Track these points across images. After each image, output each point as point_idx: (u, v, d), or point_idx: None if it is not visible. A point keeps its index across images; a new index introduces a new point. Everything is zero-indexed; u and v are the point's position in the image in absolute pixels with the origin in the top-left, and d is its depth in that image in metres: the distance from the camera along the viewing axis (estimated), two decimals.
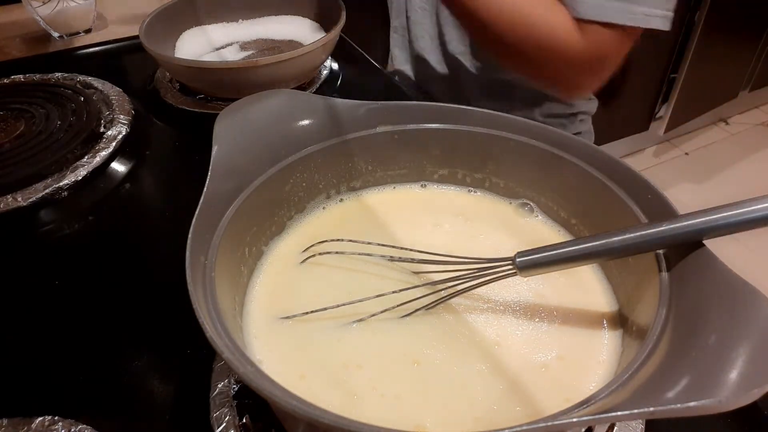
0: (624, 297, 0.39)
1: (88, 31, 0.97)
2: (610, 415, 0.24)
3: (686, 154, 2.26)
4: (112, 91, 0.77)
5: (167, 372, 0.44)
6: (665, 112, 2.09)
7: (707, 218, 0.31)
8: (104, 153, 0.65)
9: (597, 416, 0.24)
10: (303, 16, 0.89)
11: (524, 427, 0.24)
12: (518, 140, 0.45)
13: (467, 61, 0.82)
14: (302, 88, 0.79)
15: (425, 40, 0.85)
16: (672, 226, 0.32)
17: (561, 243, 0.36)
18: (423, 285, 0.40)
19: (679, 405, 0.23)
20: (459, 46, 0.81)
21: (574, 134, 0.88)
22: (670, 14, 0.60)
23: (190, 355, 0.44)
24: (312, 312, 0.38)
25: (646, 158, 2.23)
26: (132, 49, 0.92)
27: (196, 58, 0.80)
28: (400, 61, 0.92)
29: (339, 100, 0.46)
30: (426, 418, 0.33)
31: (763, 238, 1.68)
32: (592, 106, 0.89)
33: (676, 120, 2.14)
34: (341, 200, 0.49)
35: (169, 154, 0.72)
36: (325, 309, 0.38)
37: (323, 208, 0.49)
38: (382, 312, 0.38)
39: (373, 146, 0.47)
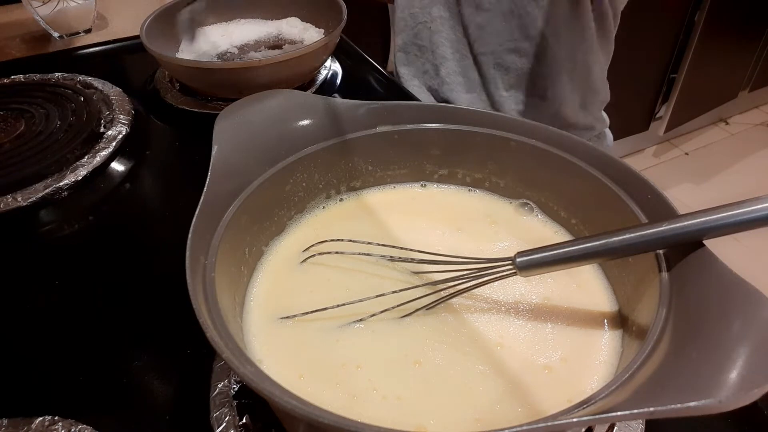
0: (624, 297, 0.39)
1: (88, 31, 0.97)
2: (610, 415, 0.24)
3: (686, 154, 2.26)
4: (112, 91, 0.77)
5: (167, 372, 0.44)
6: (665, 112, 2.09)
7: (707, 218, 0.31)
8: (104, 153, 0.65)
9: (597, 416, 0.24)
10: (304, 16, 0.89)
11: (524, 427, 0.24)
12: (518, 140, 0.45)
13: (495, 59, 0.82)
14: (302, 88, 0.79)
15: (445, 47, 0.86)
16: (672, 226, 0.32)
17: (561, 243, 0.36)
18: (423, 285, 0.40)
19: (679, 405, 0.23)
20: (488, 46, 0.82)
21: (597, 134, 0.89)
22: None
23: (190, 355, 0.44)
24: (312, 312, 0.38)
25: (646, 158, 2.23)
26: (132, 49, 0.92)
27: (196, 59, 0.80)
28: (407, 78, 0.92)
29: (339, 100, 0.46)
30: (427, 418, 0.33)
31: (763, 238, 1.68)
32: (607, 93, 0.90)
33: (676, 120, 2.14)
34: (341, 200, 0.49)
35: (169, 154, 0.72)
36: (324, 309, 0.38)
37: (323, 208, 0.49)
38: (382, 312, 0.38)
39: (373, 146, 0.47)
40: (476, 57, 0.84)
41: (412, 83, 0.92)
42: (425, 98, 0.91)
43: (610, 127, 0.96)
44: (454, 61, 0.86)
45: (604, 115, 0.92)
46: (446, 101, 0.89)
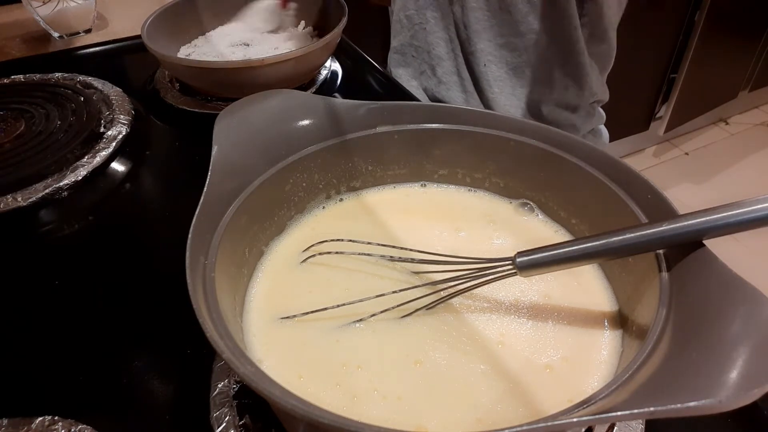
0: (624, 297, 0.39)
1: (88, 31, 0.97)
2: (610, 415, 0.24)
3: (686, 154, 2.26)
4: (112, 91, 0.77)
5: (167, 372, 0.44)
6: (665, 112, 2.09)
7: (707, 218, 0.31)
8: (104, 153, 0.65)
9: (597, 416, 0.24)
10: (303, 17, 0.89)
11: (524, 427, 0.24)
12: (518, 140, 0.45)
13: (485, 57, 0.83)
14: (302, 88, 0.79)
15: (440, 47, 0.86)
16: (672, 226, 0.32)
17: (561, 243, 0.36)
18: (423, 285, 0.40)
19: (679, 405, 0.23)
20: (478, 44, 0.82)
21: (591, 131, 0.89)
22: None
23: (190, 355, 0.44)
24: (312, 312, 0.38)
25: (646, 158, 2.23)
26: (132, 49, 0.92)
27: (197, 58, 0.80)
28: (404, 79, 0.93)
29: (339, 100, 0.46)
30: (427, 418, 0.33)
31: (763, 238, 1.68)
32: (606, 92, 0.90)
33: (676, 120, 2.14)
34: (341, 200, 0.49)
35: (169, 154, 0.72)
36: (325, 309, 0.38)
37: (323, 207, 0.49)
38: (382, 312, 0.38)
39: (373, 146, 0.47)
40: (467, 56, 0.84)
41: (409, 84, 0.92)
42: (422, 99, 0.91)
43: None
44: (450, 61, 0.87)
45: (600, 111, 0.92)
46: (442, 101, 0.90)
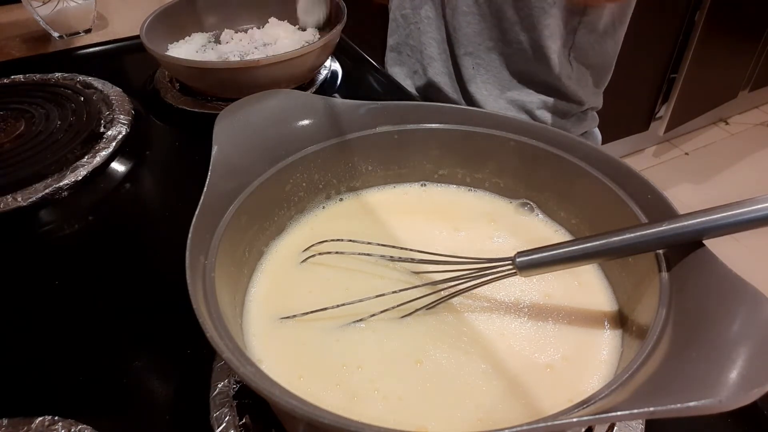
0: (624, 297, 0.39)
1: (88, 31, 0.98)
2: (610, 415, 0.24)
3: (686, 154, 2.26)
4: (112, 91, 0.77)
5: (167, 372, 0.44)
6: (665, 112, 2.09)
7: (707, 218, 0.31)
8: (104, 153, 0.65)
9: (597, 416, 0.24)
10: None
11: (524, 427, 0.24)
12: (518, 140, 0.45)
13: (475, 59, 0.83)
14: (302, 88, 0.79)
15: (432, 47, 0.86)
16: (672, 226, 0.32)
17: (561, 243, 0.36)
18: (423, 285, 0.40)
19: (679, 405, 0.23)
20: (468, 47, 0.82)
21: (584, 133, 0.89)
22: None
23: (190, 355, 0.44)
24: (312, 312, 0.38)
25: (646, 158, 2.23)
26: (132, 49, 0.92)
27: (197, 58, 0.80)
28: (399, 78, 0.93)
29: (339, 100, 0.46)
30: (428, 419, 0.33)
31: (763, 238, 1.68)
32: (600, 101, 0.90)
33: (676, 120, 2.14)
34: (341, 200, 0.49)
35: (169, 154, 0.72)
36: (325, 309, 0.38)
37: (323, 207, 0.49)
38: (382, 312, 0.38)
39: (373, 146, 0.47)
40: (458, 57, 0.84)
41: (404, 83, 0.92)
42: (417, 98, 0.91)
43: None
44: (440, 62, 0.87)
45: (593, 115, 0.92)
46: (433, 101, 0.90)
